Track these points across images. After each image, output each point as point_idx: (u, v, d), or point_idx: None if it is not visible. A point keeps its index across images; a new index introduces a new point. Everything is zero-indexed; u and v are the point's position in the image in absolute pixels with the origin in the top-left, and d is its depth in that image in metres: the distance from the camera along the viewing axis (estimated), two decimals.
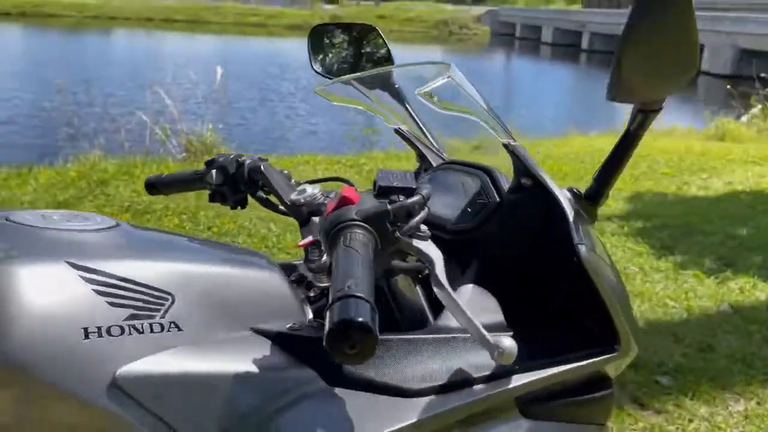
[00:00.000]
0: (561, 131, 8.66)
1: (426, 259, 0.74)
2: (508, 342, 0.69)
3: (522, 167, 0.89)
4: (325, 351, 0.64)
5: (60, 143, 6.59)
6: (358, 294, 0.57)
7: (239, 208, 1.08)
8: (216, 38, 28.81)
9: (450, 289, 0.73)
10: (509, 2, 52.13)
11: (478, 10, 47.66)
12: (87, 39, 27.64)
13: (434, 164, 1.11)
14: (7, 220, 0.74)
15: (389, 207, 0.71)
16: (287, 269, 0.92)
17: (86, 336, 0.65)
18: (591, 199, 0.87)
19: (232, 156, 1.06)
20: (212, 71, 7.45)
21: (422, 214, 0.76)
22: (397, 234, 0.72)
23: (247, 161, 1.04)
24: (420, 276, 0.88)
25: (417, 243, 0.76)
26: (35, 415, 0.64)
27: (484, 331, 0.70)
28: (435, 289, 0.72)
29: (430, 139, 1.14)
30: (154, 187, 1.16)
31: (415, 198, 0.76)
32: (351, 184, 0.92)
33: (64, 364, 0.64)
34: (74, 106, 7.74)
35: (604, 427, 0.91)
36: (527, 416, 0.82)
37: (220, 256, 0.85)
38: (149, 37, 30.28)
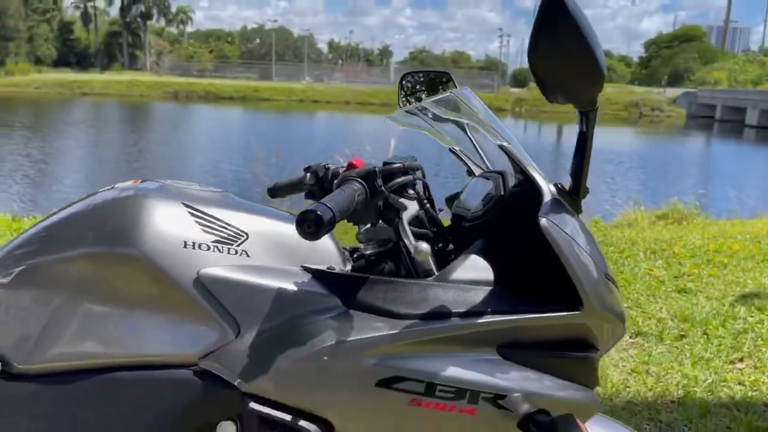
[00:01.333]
0: (752, 214, 8.16)
1: (400, 206, 1.00)
2: (424, 245, 0.96)
3: (516, 166, 1.11)
4: (347, 284, 0.92)
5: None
6: (327, 204, 0.86)
7: None
8: None
9: (406, 223, 0.99)
10: (709, 84, 49.39)
11: (673, 92, 45.75)
12: (290, 119, 31.09)
13: None
14: (162, 183, 1.14)
15: (376, 168, 0.99)
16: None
17: (185, 246, 1.01)
18: (572, 193, 1.05)
19: (323, 163, 1.39)
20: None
21: (404, 178, 1.04)
22: (382, 188, 0.99)
23: (332, 167, 1.36)
24: (436, 248, 1.13)
25: (401, 199, 1.02)
26: (145, 289, 1.00)
27: (411, 239, 0.98)
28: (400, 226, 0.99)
29: (482, 155, 1.39)
30: (274, 191, 1.53)
31: (395, 165, 1.03)
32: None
33: (169, 258, 1.00)
34: (267, 177, 8.88)
35: (592, 392, 1.05)
36: (507, 358, 1.00)
37: (292, 219, 1.16)
38: (344, 117, 33.23)
